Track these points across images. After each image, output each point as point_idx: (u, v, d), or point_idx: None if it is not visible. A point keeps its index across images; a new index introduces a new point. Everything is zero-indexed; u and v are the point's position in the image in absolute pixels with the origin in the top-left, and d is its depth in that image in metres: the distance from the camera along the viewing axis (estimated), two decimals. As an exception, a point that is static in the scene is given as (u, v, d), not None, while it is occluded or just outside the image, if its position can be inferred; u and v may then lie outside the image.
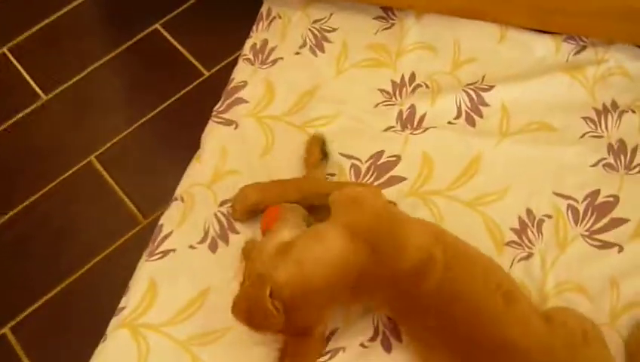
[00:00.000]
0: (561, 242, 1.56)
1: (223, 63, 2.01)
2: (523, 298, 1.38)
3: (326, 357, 1.44)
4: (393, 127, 1.74)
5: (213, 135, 1.77)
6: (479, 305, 1.31)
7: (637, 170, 1.64)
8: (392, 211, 1.47)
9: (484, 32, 1.87)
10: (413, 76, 1.83)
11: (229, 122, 1.78)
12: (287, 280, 1.31)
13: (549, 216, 1.59)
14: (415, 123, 1.75)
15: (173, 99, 1.97)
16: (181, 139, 1.83)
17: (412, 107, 1.77)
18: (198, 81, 1.99)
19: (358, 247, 1.34)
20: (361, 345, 1.46)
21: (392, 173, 1.67)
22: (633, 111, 1.73)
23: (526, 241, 1.57)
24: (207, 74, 2.01)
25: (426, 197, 1.63)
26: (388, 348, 1.45)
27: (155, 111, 1.95)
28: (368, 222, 1.39)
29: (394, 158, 1.69)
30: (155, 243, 1.60)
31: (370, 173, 1.67)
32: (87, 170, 1.87)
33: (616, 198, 1.61)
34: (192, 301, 1.52)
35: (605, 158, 1.66)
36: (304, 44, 1.89)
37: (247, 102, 1.81)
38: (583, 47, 1.84)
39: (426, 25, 1.89)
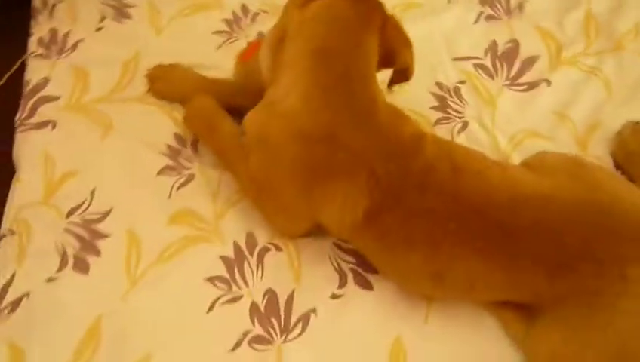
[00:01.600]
0: (487, 100, 1.35)
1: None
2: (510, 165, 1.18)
3: (297, 331, 1.04)
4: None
5: (26, 146, 1.30)
6: (482, 174, 1.02)
7: (516, 11, 1.49)
8: None
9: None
10: (245, 8, 1.53)
11: (41, 125, 1.33)
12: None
13: (462, 82, 1.39)
14: (272, 48, 1.43)
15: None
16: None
17: (261, 34, 1.46)
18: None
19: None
20: (333, 296, 1.08)
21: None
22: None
23: (454, 113, 1.33)
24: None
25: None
26: (366, 285, 1.09)
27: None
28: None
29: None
30: (2, 302, 1.10)
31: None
32: None
33: (516, 42, 1.43)
34: (81, 345, 1.04)
35: (482, 12, 1.50)
36: (103, 18, 1.51)
37: (56, 98, 1.37)
38: None
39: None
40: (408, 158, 1.00)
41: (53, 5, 1.56)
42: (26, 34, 1.53)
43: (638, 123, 1.26)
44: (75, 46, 1.46)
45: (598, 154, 1.26)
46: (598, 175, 1.08)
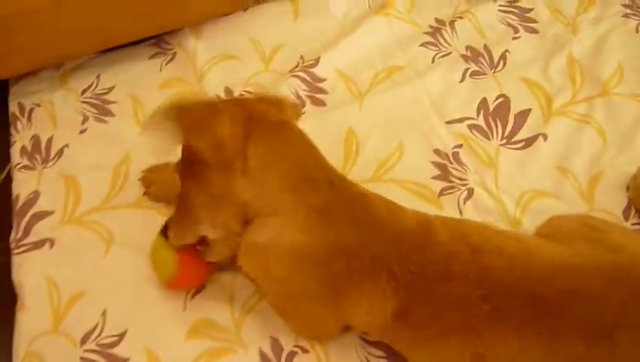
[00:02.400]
0: (487, 162, 1.35)
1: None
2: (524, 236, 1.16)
3: None
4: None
5: (26, 269, 1.26)
6: (501, 250, 1.00)
7: (500, 64, 1.49)
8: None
9: (278, 17, 1.62)
10: (228, 91, 1.50)
11: (38, 244, 1.29)
12: None
13: (459, 145, 1.38)
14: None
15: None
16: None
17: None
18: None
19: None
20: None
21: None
22: (461, 18, 1.58)
23: (456, 180, 1.32)
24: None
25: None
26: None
27: None
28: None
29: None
30: None
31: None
32: None
33: (506, 97, 1.43)
34: None
35: (468, 68, 1.49)
36: (86, 119, 1.47)
37: (50, 212, 1.33)
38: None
39: (210, 38, 1.59)
40: (424, 250, 0.98)
41: (31, 109, 1.51)
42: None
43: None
44: (60, 152, 1.43)
45: (604, 206, 1.27)
46: (614, 235, 1.07)
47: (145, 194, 1.32)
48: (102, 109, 1.49)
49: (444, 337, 0.98)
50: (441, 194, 1.30)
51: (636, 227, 1.24)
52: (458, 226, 1.05)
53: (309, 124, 1.39)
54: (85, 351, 1.15)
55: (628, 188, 1.28)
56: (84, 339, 1.16)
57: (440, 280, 0.97)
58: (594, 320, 0.94)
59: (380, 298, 0.98)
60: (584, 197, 1.28)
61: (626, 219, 1.25)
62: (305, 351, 1.13)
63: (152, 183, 1.32)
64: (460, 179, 1.31)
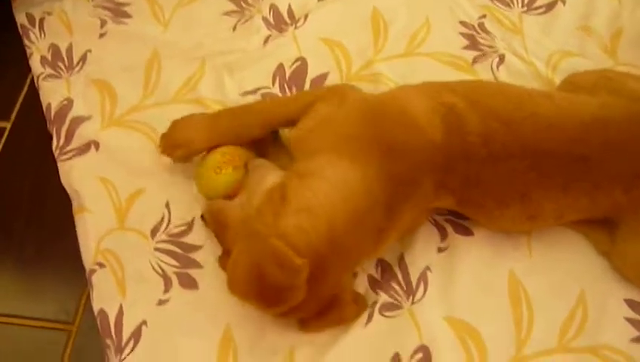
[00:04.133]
0: (513, 29, 1.39)
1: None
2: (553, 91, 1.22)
3: (420, 293, 1.08)
4: (270, 35, 1.40)
5: (76, 173, 1.26)
6: (534, 114, 1.04)
7: None
8: (375, 97, 1.13)
9: None
10: None
11: (83, 149, 1.28)
12: (302, 230, 0.93)
13: (484, 16, 1.41)
14: (288, 19, 1.42)
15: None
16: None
17: (273, 7, 1.43)
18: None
19: (365, 160, 1.00)
20: (439, 249, 1.13)
21: (311, 75, 1.34)
22: None
23: (486, 48, 1.36)
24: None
25: (361, 77, 1.33)
26: (467, 232, 1.15)
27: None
28: (352, 127, 1.05)
29: (299, 62, 1.35)
30: (122, 337, 1.09)
31: (290, 89, 1.32)
32: None
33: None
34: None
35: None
36: (104, 22, 1.44)
37: (88, 117, 1.32)
38: None
39: None
40: (462, 150, 1.01)
41: (42, 19, 1.47)
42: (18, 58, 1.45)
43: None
44: (84, 58, 1.40)
45: (628, 60, 1.33)
46: (631, 84, 1.13)
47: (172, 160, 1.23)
48: (117, 12, 1.46)
49: (502, 208, 1.06)
50: (474, 62, 1.33)
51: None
52: (484, 101, 1.06)
53: (333, 7, 1.42)
54: (158, 241, 1.17)
55: (646, 41, 1.35)
56: (154, 232, 1.18)
57: (486, 164, 1.01)
58: (629, 167, 1.02)
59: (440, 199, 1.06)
60: (608, 53, 1.34)
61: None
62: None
63: (176, 148, 1.20)
64: (490, 46, 1.35)
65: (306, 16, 1.41)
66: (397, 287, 1.11)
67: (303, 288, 0.90)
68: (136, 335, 1.09)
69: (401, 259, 1.13)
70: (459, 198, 1.06)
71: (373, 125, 1.04)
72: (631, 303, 1.08)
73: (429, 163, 1.01)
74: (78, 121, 1.31)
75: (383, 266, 1.13)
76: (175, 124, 1.20)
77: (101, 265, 1.16)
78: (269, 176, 1.04)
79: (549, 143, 1.02)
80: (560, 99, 1.10)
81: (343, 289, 1.02)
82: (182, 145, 1.17)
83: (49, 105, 1.34)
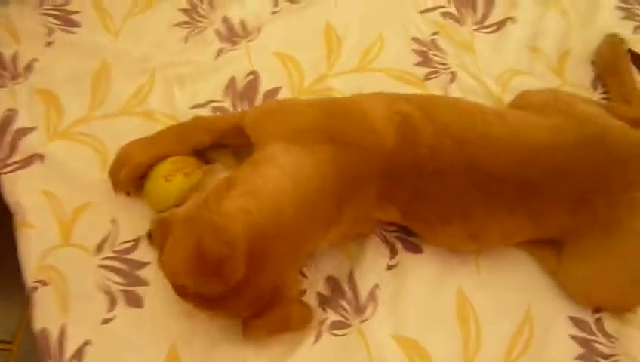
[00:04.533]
0: (464, 47, 1.40)
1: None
2: (503, 110, 1.22)
3: (368, 311, 1.09)
4: (222, 47, 1.38)
5: (20, 187, 1.21)
6: (485, 135, 1.06)
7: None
8: (326, 98, 1.14)
9: None
10: (199, -7, 1.47)
11: (27, 162, 1.24)
12: (245, 210, 0.93)
13: (436, 33, 1.42)
14: (241, 32, 1.40)
15: None
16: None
17: (225, 19, 1.42)
18: None
19: (318, 151, 1.00)
20: (389, 267, 1.14)
21: (263, 89, 1.33)
22: None
23: (439, 65, 1.37)
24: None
25: (314, 92, 1.33)
26: (416, 249, 1.17)
27: None
28: (312, 119, 1.05)
29: (251, 76, 1.33)
30: (64, 358, 1.06)
31: (242, 106, 1.30)
32: None
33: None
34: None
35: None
36: (52, 31, 1.40)
37: (33, 129, 1.28)
38: None
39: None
40: (411, 159, 1.03)
41: (-15, 26, 1.42)
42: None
43: (611, 35, 1.36)
44: (29, 67, 1.36)
45: (573, 80, 1.36)
46: (580, 106, 1.16)
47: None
48: (65, 20, 1.42)
49: (445, 224, 1.08)
50: (426, 78, 1.35)
51: (603, 96, 1.35)
52: (439, 115, 1.07)
53: (286, 21, 1.42)
54: (103, 258, 1.14)
55: (593, 63, 1.38)
56: (100, 248, 1.15)
57: (432, 178, 1.03)
58: (575, 191, 1.04)
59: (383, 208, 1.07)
60: (556, 73, 1.37)
61: (595, 89, 1.35)
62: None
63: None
64: (442, 63, 1.37)
65: (259, 30, 1.39)
66: (346, 305, 1.10)
67: (241, 260, 0.90)
68: (79, 355, 1.06)
69: (350, 276, 1.13)
70: (404, 211, 1.07)
71: (332, 121, 1.06)
72: (576, 321, 1.11)
73: (378, 167, 1.02)
74: (23, 132, 1.27)
75: (332, 283, 1.13)
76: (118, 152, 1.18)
77: (43, 283, 1.12)
78: (223, 174, 1.04)
79: (497, 166, 1.03)
80: (512, 119, 1.11)
81: (288, 286, 1.01)
82: (123, 163, 1.15)
83: (-8, 115, 1.30)
